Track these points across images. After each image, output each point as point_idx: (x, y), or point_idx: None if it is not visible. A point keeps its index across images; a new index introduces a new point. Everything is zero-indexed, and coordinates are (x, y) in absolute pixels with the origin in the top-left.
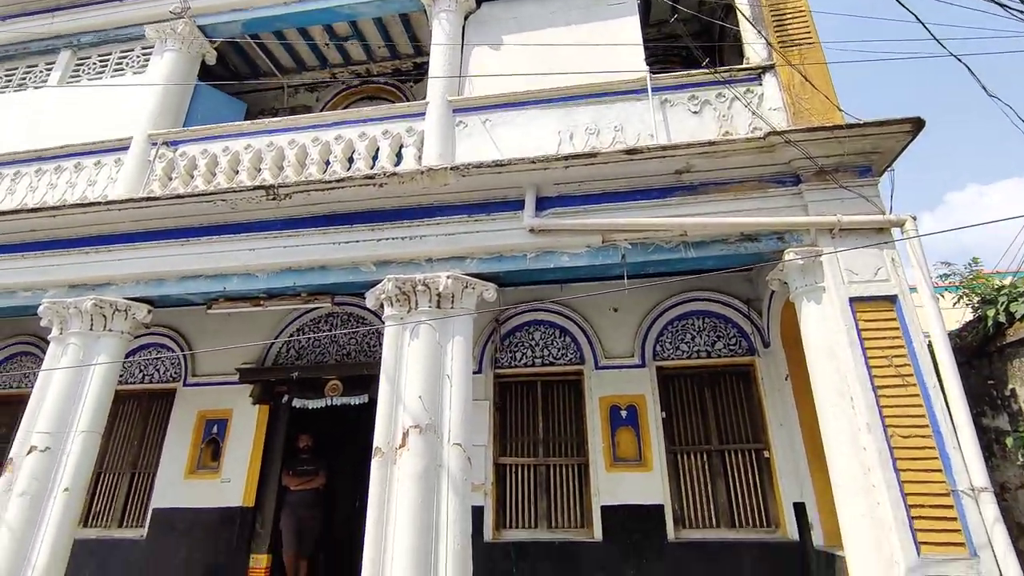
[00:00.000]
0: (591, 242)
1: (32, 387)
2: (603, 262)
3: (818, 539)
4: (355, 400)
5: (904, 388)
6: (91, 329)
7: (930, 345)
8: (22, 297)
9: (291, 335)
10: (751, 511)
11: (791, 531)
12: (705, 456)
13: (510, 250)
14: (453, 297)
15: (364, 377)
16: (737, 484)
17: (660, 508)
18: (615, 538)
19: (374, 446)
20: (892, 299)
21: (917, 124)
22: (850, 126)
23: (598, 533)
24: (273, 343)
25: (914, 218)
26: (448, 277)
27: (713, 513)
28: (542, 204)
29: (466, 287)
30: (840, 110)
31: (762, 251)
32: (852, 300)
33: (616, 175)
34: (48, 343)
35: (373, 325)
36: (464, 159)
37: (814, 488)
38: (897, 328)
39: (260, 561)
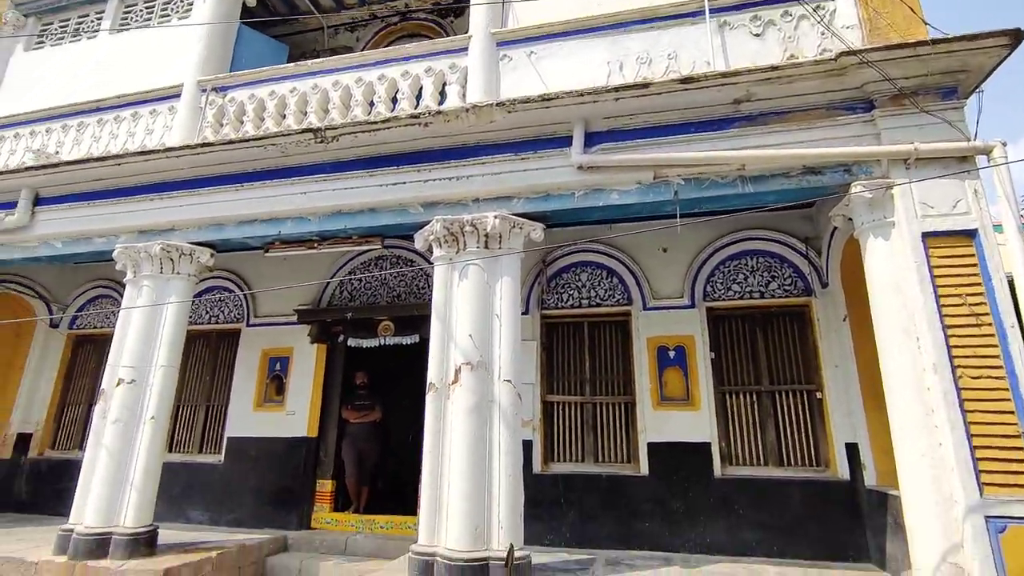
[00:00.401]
0: (642, 179)
1: (114, 327)
2: (654, 199)
3: (870, 479)
4: (407, 340)
5: (978, 328)
6: (161, 272)
7: (1012, 284)
8: (98, 243)
9: (343, 278)
10: (801, 451)
11: (842, 470)
12: (754, 396)
13: (557, 189)
14: (500, 237)
15: (414, 318)
16: (787, 424)
17: (707, 446)
18: (661, 473)
19: (428, 382)
20: (971, 234)
21: (1016, 37)
22: (936, 42)
23: (644, 468)
24: (327, 285)
25: (1004, 144)
26: (495, 217)
27: (761, 452)
28: (591, 140)
29: (513, 227)
30: (925, 23)
31: (826, 185)
32: (925, 235)
33: (669, 106)
34: (123, 286)
35: (421, 266)
36: (509, 94)
37: (868, 429)
38: (975, 265)
39: (325, 486)
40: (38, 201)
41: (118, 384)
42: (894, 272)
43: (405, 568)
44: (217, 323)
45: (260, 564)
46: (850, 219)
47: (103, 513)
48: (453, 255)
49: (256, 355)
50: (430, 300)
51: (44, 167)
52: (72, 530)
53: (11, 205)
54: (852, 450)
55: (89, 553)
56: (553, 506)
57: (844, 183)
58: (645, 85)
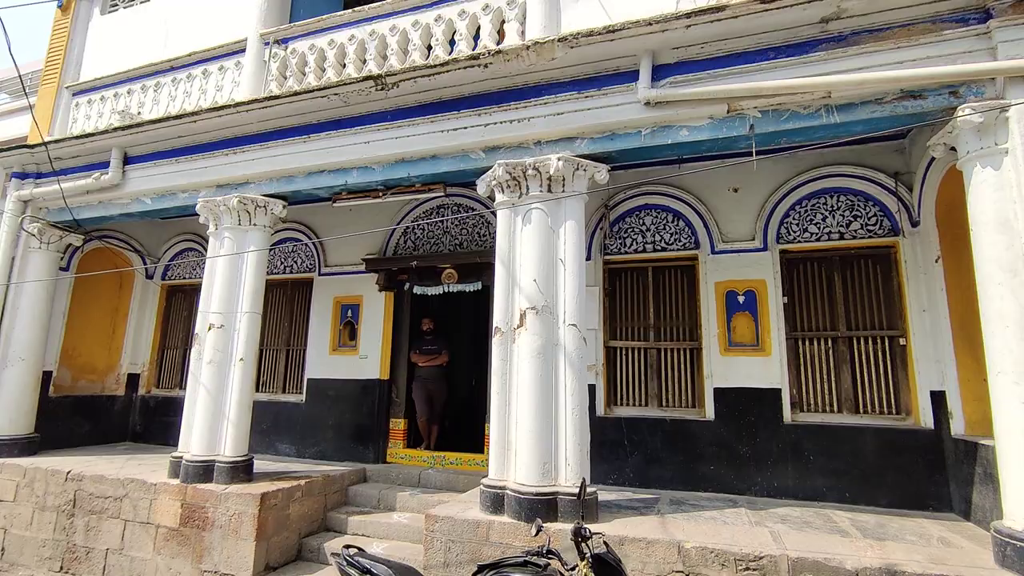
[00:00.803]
0: (714, 113)
1: (199, 278)
2: (727, 135)
3: (958, 427)
4: (469, 287)
5: None
6: (239, 224)
7: None
8: (182, 197)
9: (406, 227)
10: (879, 398)
11: (924, 419)
12: (830, 342)
13: (623, 127)
14: (564, 180)
15: (476, 265)
16: (864, 371)
17: (777, 392)
18: (727, 418)
19: (493, 326)
20: None
21: None
22: None
23: (710, 413)
24: (392, 235)
25: None
26: (559, 159)
27: (835, 399)
28: (658, 73)
29: (577, 169)
30: None
31: (926, 110)
32: None
33: (746, 31)
34: (206, 240)
35: (481, 213)
36: (571, 29)
37: (958, 376)
38: None
39: (398, 424)
40: (127, 160)
41: (209, 329)
42: (1002, 206)
43: (477, 499)
44: (292, 273)
45: (343, 492)
46: (952, 148)
47: (206, 444)
48: (516, 200)
49: (329, 303)
50: (492, 247)
51: (129, 127)
52: (181, 457)
53: (104, 165)
54: (938, 398)
55: (197, 477)
56: (616, 448)
57: (948, 107)
58: (720, 9)
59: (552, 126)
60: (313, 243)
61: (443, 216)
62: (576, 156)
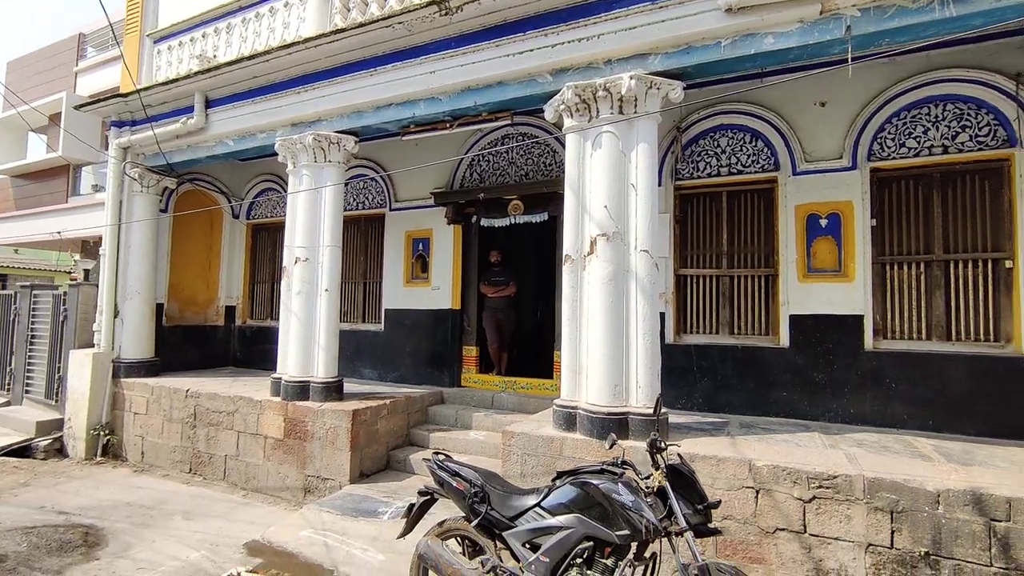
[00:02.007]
0: (805, 15)
1: (279, 216)
2: (819, 40)
3: None
4: (536, 218)
5: None
6: (315, 161)
7: None
8: (260, 138)
9: (472, 159)
10: (975, 325)
11: None
12: (922, 266)
13: (700, 39)
14: (636, 100)
15: (543, 195)
16: (960, 296)
17: (858, 318)
18: (803, 345)
19: (563, 254)
20: None
21: None
22: None
23: (785, 340)
24: (458, 169)
25: None
26: (631, 78)
27: (924, 326)
28: None
29: (650, 88)
30: None
31: None
32: None
33: None
34: (283, 179)
35: (546, 143)
36: None
37: None
38: None
39: (471, 351)
40: (209, 104)
41: (296, 262)
42: None
43: (548, 419)
44: (364, 209)
45: (423, 412)
46: None
47: (301, 366)
48: (585, 124)
49: (400, 237)
50: (558, 177)
51: (207, 71)
52: (280, 378)
53: (189, 110)
54: None
55: (296, 395)
56: (685, 375)
57: None
58: None
59: (623, 42)
60: (382, 177)
61: (508, 146)
62: (649, 74)
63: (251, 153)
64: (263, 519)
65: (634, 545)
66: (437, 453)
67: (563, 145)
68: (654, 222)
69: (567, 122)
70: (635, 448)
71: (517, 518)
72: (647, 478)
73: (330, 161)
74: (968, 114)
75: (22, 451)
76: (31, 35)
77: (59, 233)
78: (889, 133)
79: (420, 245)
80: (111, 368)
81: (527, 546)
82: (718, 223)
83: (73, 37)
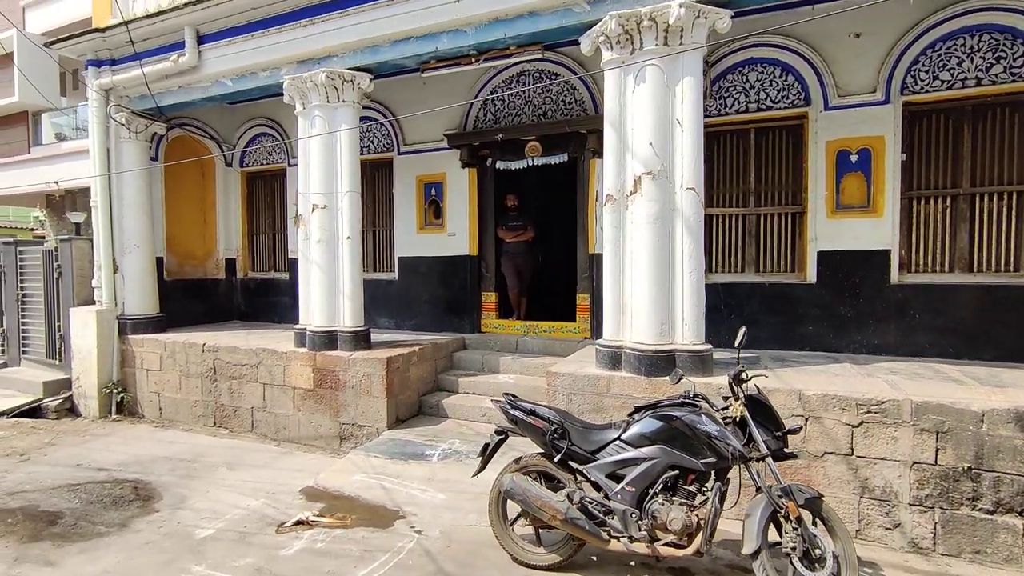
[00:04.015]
0: None
1: (275, 163)
2: None
3: None
4: (555, 160)
5: None
6: (327, 101)
7: None
8: (263, 77)
9: (486, 99)
10: (996, 256)
11: None
12: (948, 200)
13: None
14: (682, 31)
15: (564, 135)
16: (985, 229)
17: (885, 253)
18: (829, 281)
19: (604, 193)
20: None
21: None
22: None
23: (811, 276)
24: (471, 108)
25: None
26: (680, 5)
27: (949, 258)
28: None
29: (697, 17)
30: None
31: None
32: None
33: None
34: (276, 123)
35: (567, 80)
36: None
37: None
38: None
39: (490, 297)
40: (201, 39)
41: (313, 210)
42: None
43: (587, 358)
44: (369, 153)
45: (449, 358)
46: None
47: (326, 316)
48: (627, 57)
49: (412, 182)
50: (578, 116)
51: (198, 1)
52: (305, 329)
53: (178, 46)
54: None
55: (323, 345)
56: (712, 312)
57: None
58: None
59: None
60: (390, 121)
61: (525, 84)
62: (695, 1)
63: (253, 94)
64: (308, 466)
65: (713, 473)
66: (506, 394)
67: (584, 82)
68: (699, 159)
69: (606, 55)
70: (689, 383)
71: (597, 452)
72: (724, 409)
73: (344, 101)
74: (1004, 44)
75: (32, 412)
76: None
77: (56, 183)
78: (924, 66)
79: (433, 190)
80: (116, 325)
81: (610, 478)
82: (746, 161)
83: None
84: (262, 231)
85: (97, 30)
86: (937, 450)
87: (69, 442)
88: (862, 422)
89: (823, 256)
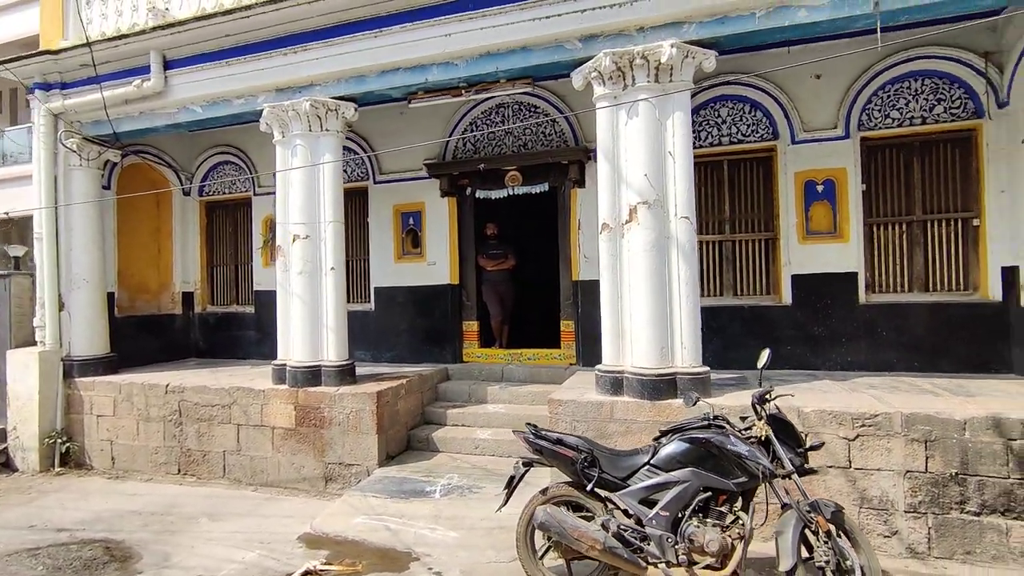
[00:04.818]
0: None
1: (236, 192)
2: (848, 14)
3: None
4: (536, 189)
5: None
6: (310, 130)
7: None
8: (237, 104)
9: (464, 129)
10: (948, 277)
11: (993, 292)
12: (904, 226)
13: (735, 9)
14: (672, 69)
15: (544, 166)
16: (936, 252)
17: (853, 275)
18: (803, 302)
19: (600, 222)
20: None
21: None
22: None
23: (787, 298)
24: (450, 138)
25: None
26: (672, 46)
27: (907, 279)
28: None
29: (686, 57)
30: None
31: None
32: None
33: None
34: (241, 151)
35: (546, 113)
36: None
37: None
38: None
39: (472, 326)
40: (168, 64)
41: (294, 240)
42: None
43: (589, 383)
44: (344, 182)
45: (434, 389)
46: None
47: (309, 350)
48: (619, 92)
49: (388, 211)
50: (559, 147)
51: (169, 26)
52: (284, 365)
53: (138, 71)
54: (1008, 273)
55: (305, 381)
56: None
57: None
58: None
59: (659, 10)
60: (363, 148)
61: (504, 116)
62: (684, 43)
63: (224, 121)
64: (298, 511)
65: (740, 492)
66: (528, 424)
67: (562, 113)
68: (691, 189)
69: (598, 90)
70: (707, 405)
71: (628, 478)
72: (747, 429)
73: (327, 130)
74: (943, 88)
75: None
76: None
77: (7, 214)
78: (876, 105)
79: (411, 219)
80: (62, 367)
81: (642, 503)
82: (720, 191)
83: None
84: (223, 263)
85: (48, 52)
86: (927, 458)
87: (14, 501)
88: (857, 435)
89: (797, 279)
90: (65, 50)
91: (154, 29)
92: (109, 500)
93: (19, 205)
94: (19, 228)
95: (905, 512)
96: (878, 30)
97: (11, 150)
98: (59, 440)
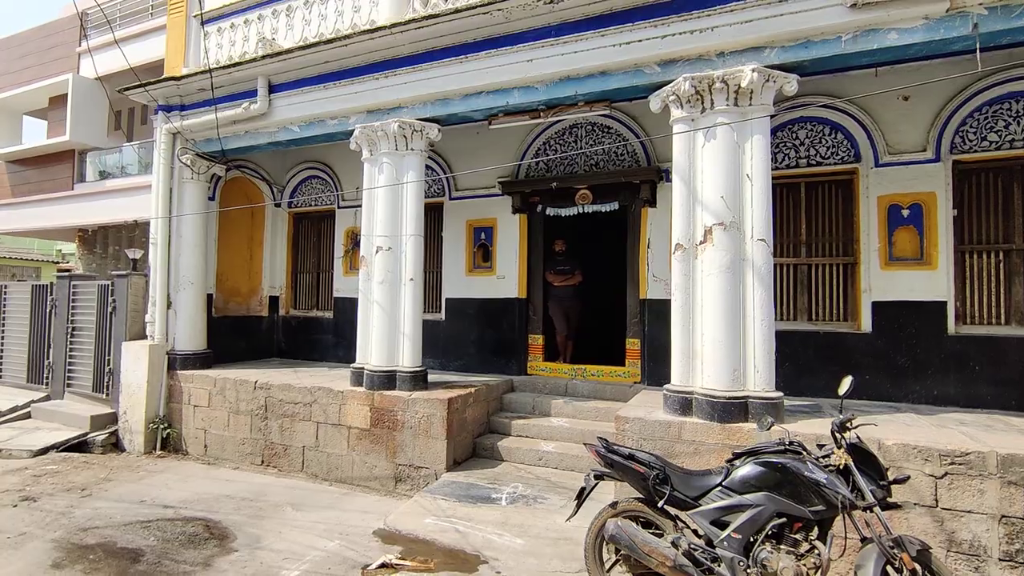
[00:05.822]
0: (931, 11)
1: (323, 204)
2: (943, 36)
3: None
4: (606, 207)
5: None
6: (396, 149)
7: None
8: (330, 124)
9: (538, 149)
10: None
11: None
12: (1001, 255)
13: (820, 33)
14: (752, 93)
15: (614, 185)
16: None
17: (941, 304)
18: (884, 330)
19: (674, 243)
20: None
21: None
22: None
23: (866, 326)
24: (524, 157)
25: None
26: (752, 71)
27: (1004, 311)
28: None
29: (767, 81)
30: None
31: None
32: None
33: None
34: (327, 167)
35: (618, 133)
36: None
37: None
38: None
39: (537, 340)
40: (273, 88)
41: (377, 252)
42: None
43: (657, 402)
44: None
45: (499, 400)
46: None
47: (386, 355)
48: (697, 115)
49: (461, 225)
50: (629, 167)
51: (276, 55)
52: (362, 368)
53: (246, 95)
54: None
55: (381, 385)
56: None
57: None
58: None
59: (739, 35)
60: (441, 166)
61: (576, 136)
62: (765, 67)
63: (318, 140)
64: (372, 508)
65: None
66: (600, 438)
67: (634, 134)
68: (769, 212)
69: (676, 112)
70: (782, 430)
71: (700, 498)
72: (826, 456)
73: (412, 149)
74: None
75: (77, 446)
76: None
77: (136, 221)
78: (971, 127)
79: (482, 234)
80: (166, 360)
81: (714, 524)
82: (796, 213)
83: (71, 17)
84: (306, 270)
85: (173, 78)
86: None
87: (125, 478)
88: (946, 473)
89: (877, 306)
90: (186, 76)
91: (263, 57)
92: (205, 484)
93: (129, 214)
94: (115, 233)
95: (1000, 560)
96: (978, 51)
97: (123, 162)
98: (161, 426)
